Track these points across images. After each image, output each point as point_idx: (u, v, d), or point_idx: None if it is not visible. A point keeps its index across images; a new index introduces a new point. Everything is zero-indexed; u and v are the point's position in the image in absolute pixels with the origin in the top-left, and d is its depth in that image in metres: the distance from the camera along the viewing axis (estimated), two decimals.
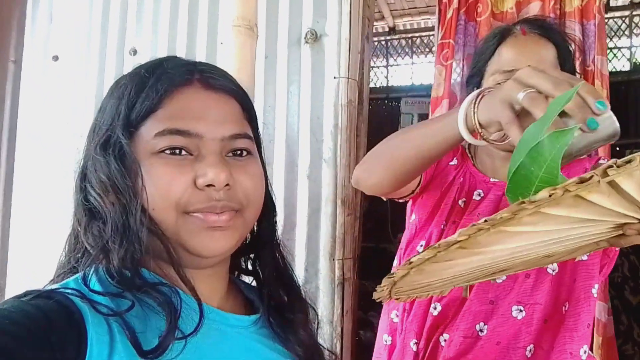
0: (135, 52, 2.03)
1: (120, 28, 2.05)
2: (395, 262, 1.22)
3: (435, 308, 1.02)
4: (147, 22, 2.02)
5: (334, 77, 1.76)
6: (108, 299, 0.54)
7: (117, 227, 0.56)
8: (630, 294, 2.68)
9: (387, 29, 3.60)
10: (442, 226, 1.07)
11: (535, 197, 0.39)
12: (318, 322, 0.74)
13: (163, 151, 0.57)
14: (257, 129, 0.68)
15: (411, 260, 0.50)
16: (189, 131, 0.58)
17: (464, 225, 1.01)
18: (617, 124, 0.58)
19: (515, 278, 0.97)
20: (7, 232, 2.13)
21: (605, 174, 0.38)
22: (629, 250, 2.64)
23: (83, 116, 2.06)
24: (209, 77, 0.61)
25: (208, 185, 0.57)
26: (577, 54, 1.81)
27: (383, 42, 3.72)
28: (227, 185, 0.58)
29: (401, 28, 3.61)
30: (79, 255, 0.60)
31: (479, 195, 1.07)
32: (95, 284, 0.55)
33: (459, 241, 0.45)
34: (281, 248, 0.71)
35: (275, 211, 0.71)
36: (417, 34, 3.65)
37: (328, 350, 0.74)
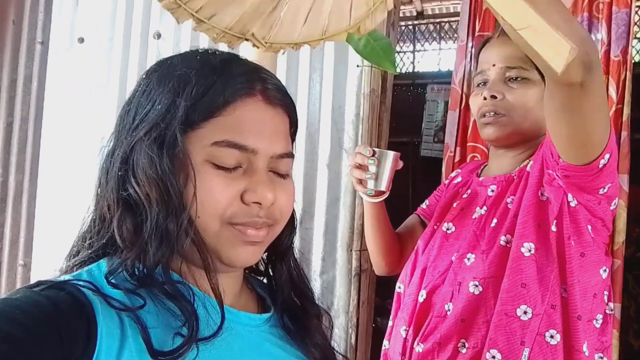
0: (159, 35, 2.02)
1: (144, 12, 2.05)
2: None
3: (422, 295, 1.06)
4: None
5: (357, 66, 1.73)
6: (122, 294, 0.54)
7: (158, 230, 0.55)
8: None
9: (414, 13, 3.51)
10: (434, 227, 1.17)
11: None
12: (332, 327, 0.75)
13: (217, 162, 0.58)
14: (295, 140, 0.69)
15: None
16: (247, 146, 0.58)
17: (448, 220, 1.13)
18: None
19: (480, 257, 1.01)
20: (33, 212, 2.18)
21: None
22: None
23: (107, 98, 2.08)
24: (270, 90, 0.62)
25: (255, 202, 0.58)
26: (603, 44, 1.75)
27: (410, 27, 3.63)
28: (272, 204, 0.60)
29: (429, 12, 3.52)
30: (104, 241, 0.59)
31: (467, 193, 1.17)
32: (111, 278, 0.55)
33: None
34: (296, 256, 0.72)
35: (296, 223, 0.71)
36: (445, 19, 3.55)
37: (342, 355, 0.75)
